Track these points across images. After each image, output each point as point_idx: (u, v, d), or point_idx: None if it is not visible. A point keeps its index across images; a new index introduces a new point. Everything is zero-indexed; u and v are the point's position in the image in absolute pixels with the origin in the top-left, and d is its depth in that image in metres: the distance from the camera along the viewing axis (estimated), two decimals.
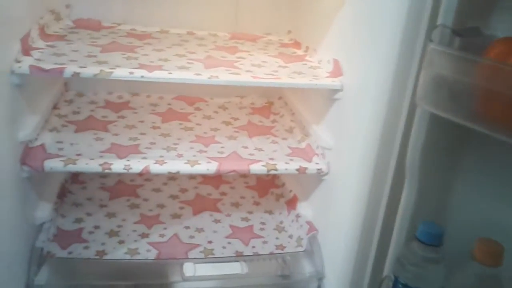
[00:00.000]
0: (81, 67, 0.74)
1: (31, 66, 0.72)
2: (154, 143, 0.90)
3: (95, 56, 0.82)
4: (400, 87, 0.71)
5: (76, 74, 0.73)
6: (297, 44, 1.08)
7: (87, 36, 0.95)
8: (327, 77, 0.86)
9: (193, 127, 0.99)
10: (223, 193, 1.11)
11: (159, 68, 0.79)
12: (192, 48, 0.95)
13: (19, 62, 0.73)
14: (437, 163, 0.75)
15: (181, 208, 1.03)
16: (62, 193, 0.97)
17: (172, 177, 1.12)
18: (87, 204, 0.99)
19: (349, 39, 0.81)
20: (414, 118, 0.71)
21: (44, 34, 0.89)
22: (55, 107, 0.97)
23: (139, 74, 0.75)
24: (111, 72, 0.74)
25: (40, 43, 0.84)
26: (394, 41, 0.68)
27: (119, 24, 1.06)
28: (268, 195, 1.11)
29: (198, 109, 1.10)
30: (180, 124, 1.00)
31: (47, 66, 0.73)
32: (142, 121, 0.99)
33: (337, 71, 0.85)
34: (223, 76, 0.79)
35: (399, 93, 0.72)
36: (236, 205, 1.07)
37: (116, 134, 0.91)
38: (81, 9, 1.04)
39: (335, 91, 0.83)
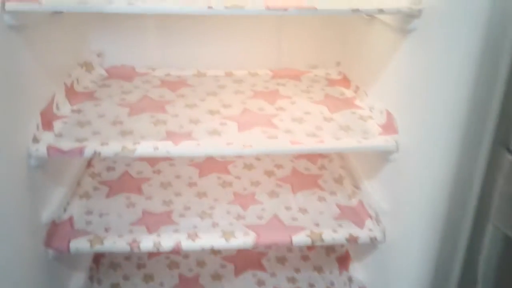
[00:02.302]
0: (102, 144, 0.68)
1: (49, 148, 0.67)
2: (189, 208, 0.83)
3: (121, 123, 0.75)
4: (471, 153, 0.59)
5: (97, 154, 0.67)
6: (346, 81, 0.97)
7: (118, 91, 0.89)
8: (380, 134, 0.74)
9: (232, 182, 0.91)
10: (268, 246, 1.02)
11: (188, 136, 0.72)
12: (228, 98, 0.87)
13: (37, 141, 0.68)
14: None
15: (223, 266, 0.96)
16: (97, 257, 0.93)
17: None
18: (125, 265, 0.94)
19: (407, 87, 0.69)
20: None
21: (72, 93, 0.84)
22: (88, 164, 0.93)
23: (164, 149, 0.68)
24: (134, 150, 0.67)
25: (66, 109, 0.80)
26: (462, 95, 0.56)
27: (153, 69, 0.99)
28: (318, 248, 1.01)
29: (239, 156, 1.01)
30: (219, 178, 0.92)
31: (66, 145, 0.68)
32: (178, 176, 0.92)
33: (390, 127, 0.73)
34: (258, 144, 0.70)
35: (470, 159, 0.60)
36: (282, 260, 0.98)
37: (149, 198, 0.85)
38: (114, 56, 0.99)
39: (389, 152, 0.72)
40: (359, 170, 0.90)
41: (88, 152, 0.67)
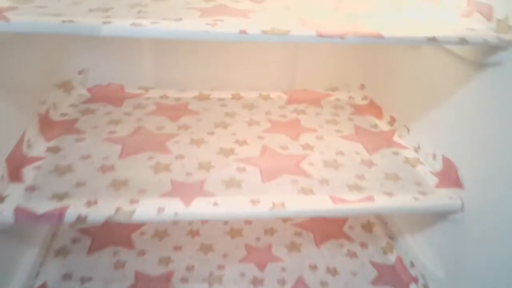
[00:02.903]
0: (89, 203, 0.51)
1: (17, 210, 0.50)
2: (192, 268, 0.67)
3: (111, 169, 0.59)
4: None
5: (82, 219, 0.50)
6: (375, 108, 0.82)
7: (105, 119, 0.72)
8: (436, 185, 0.60)
9: (242, 229, 0.76)
10: None
11: (200, 189, 0.56)
12: (241, 132, 0.71)
13: (0, 200, 0.51)
14: None
15: None
16: None
17: None
18: None
19: (478, 130, 0.55)
20: None
21: (47, 124, 0.67)
22: None
23: (171, 210, 0.52)
24: (132, 212, 0.51)
25: (40, 146, 0.63)
26: None
27: (146, 90, 0.83)
28: None
29: None
30: (225, 224, 0.77)
31: (40, 206, 0.51)
32: (176, 222, 0.76)
33: (450, 178, 0.59)
34: (292, 202, 0.55)
35: None
36: None
37: (142, 254, 0.69)
38: (99, 72, 0.81)
39: (451, 211, 0.58)
40: (394, 217, 0.76)
41: (70, 215, 0.50)
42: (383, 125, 0.77)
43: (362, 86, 0.89)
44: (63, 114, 0.73)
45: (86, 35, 0.42)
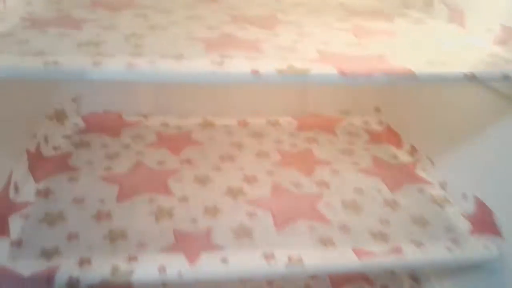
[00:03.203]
0: (82, 262, 0.45)
1: (0, 272, 0.44)
2: None
3: (107, 216, 0.53)
4: None
5: (74, 281, 0.44)
6: (393, 136, 0.76)
7: (101, 153, 0.66)
8: (471, 232, 0.54)
9: None
10: None
11: (206, 241, 0.50)
12: (250, 166, 0.65)
13: None
14: None
15: None
16: None
17: None
18: None
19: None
20: None
21: (38, 161, 0.61)
22: None
23: (173, 269, 0.46)
24: (130, 272, 0.45)
25: (29, 189, 0.57)
26: None
27: (146, 117, 0.77)
28: None
29: None
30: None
31: (27, 266, 0.45)
32: None
33: (486, 224, 0.53)
34: (310, 256, 0.49)
35: None
36: None
37: None
38: (94, 99, 0.75)
39: (488, 260, 0.52)
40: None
41: (60, 278, 0.44)
42: (403, 156, 0.71)
43: (377, 109, 0.83)
44: (55, 148, 0.67)
45: (73, 79, 0.36)
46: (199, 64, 0.39)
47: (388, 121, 0.80)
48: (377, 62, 0.42)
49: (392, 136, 0.76)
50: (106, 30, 0.47)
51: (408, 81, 0.40)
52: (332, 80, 0.39)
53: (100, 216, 0.53)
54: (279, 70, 0.39)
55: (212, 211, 0.55)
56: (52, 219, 0.52)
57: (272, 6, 0.63)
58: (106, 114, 0.76)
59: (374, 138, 0.77)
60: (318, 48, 0.45)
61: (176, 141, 0.71)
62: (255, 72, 0.38)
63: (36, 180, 0.58)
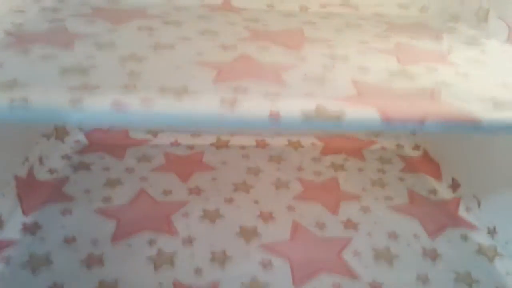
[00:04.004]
0: None
1: None
2: None
3: (99, 263, 0.46)
4: None
5: None
6: (430, 164, 0.67)
7: (101, 179, 0.59)
8: None
9: None
10: None
11: None
12: (266, 199, 0.57)
13: None
14: None
15: None
16: None
17: None
18: None
19: None
20: None
21: (29, 188, 0.55)
22: None
23: None
24: None
25: (14, 224, 0.50)
26: None
27: (155, 135, 0.70)
28: None
29: None
30: None
31: None
32: None
33: None
34: None
35: None
36: None
37: None
38: None
39: None
40: None
41: None
42: (444, 190, 0.62)
43: (413, 131, 0.74)
44: (51, 171, 0.60)
45: (47, 122, 0.29)
46: (205, 103, 0.31)
47: (425, 146, 0.71)
48: (429, 103, 0.33)
49: (430, 165, 0.67)
50: (101, 49, 0.39)
51: (470, 130, 0.31)
52: (372, 126, 0.31)
53: (91, 261, 0.46)
54: (305, 114, 0.31)
55: (221, 258, 0.47)
56: (36, 264, 0.45)
57: (299, 18, 0.55)
58: (111, 131, 0.69)
59: (409, 166, 0.68)
60: (354, 77, 0.37)
61: (185, 165, 0.64)
62: (275, 116, 0.30)
63: (25, 211, 0.52)
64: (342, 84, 0.36)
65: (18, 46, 0.39)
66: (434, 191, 0.62)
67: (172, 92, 0.32)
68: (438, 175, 0.65)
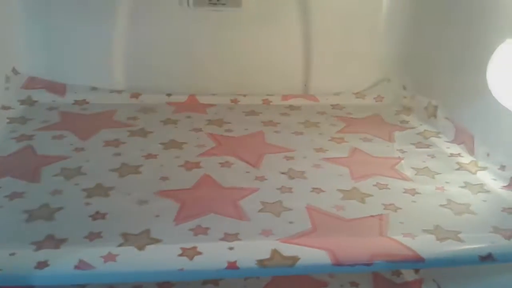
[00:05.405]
0: None
1: None
2: None
3: None
4: None
5: None
6: None
7: None
8: None
9: None
10: None
11: None
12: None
13: None
14: None
15: None
16: None
17: None
18: None
19: None
20: None
21: None
22: None
23: None
24: None
25: None
26: None
27: None
28: None
29: None
30: None
31: None
32: None
33: None
34: None
35: None
36: None
37: None
38: None
39: None
40: None
41: None
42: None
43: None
44: None
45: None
46: (166, 255, 0.33)
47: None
48: (377, 241, 0.35)
49: None
50: (67, 179, 0.41)
51: (415, 266, 0.34)
52: (324, 270, 0.33)
53: None
54: (260, 261, 0.33)
55: None
56: None
57: (261, 117, 0.58)
58: None
59: None
60: (309, 204, 0.39)
61: None
62: (232, 266, 0.32)
63: None
64: (297, 215, 0.38)
65: None
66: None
67: (134, 240, 0.33)
68: None
